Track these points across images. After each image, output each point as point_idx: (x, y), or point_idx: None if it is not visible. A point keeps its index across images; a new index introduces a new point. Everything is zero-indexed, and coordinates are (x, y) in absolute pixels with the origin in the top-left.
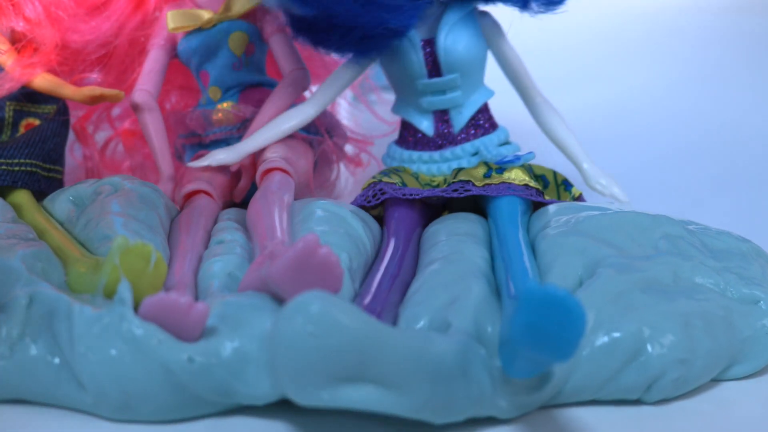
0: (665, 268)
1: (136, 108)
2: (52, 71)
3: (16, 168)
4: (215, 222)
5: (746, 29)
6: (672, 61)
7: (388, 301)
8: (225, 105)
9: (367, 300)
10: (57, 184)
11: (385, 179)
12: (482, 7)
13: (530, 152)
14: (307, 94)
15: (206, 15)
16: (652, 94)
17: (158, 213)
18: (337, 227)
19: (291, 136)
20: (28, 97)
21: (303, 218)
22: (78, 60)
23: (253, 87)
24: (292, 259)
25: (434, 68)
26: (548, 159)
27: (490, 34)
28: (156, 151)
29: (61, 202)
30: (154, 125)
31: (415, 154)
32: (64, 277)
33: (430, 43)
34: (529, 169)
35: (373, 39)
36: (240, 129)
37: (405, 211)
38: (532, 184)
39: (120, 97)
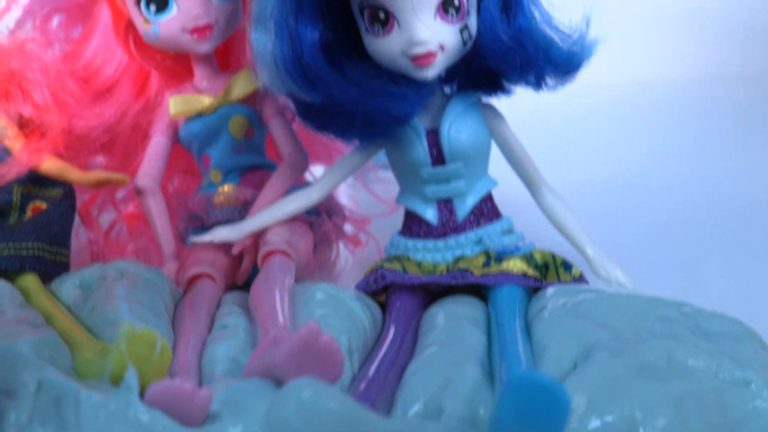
0: (659, 350)
1: (139, 192)
2: (58, 155)
3: (24, 252)
4: (218, 305)
5: (737, 99)
6: (662, 132)
7: (385, 386)
8: (226, 188)
9: (363, 386)
10: (64, 267)
11: (387, 265)
12: (485, 100)
13: (530, 243)
14: (307, 174)
15: (207, 100)
16: (645, 166)
17: (162, 298)
18: (337, 310)
19: (292, 218)
20: (35, 180)
21: (304, 301)
22: (83, 144)
23: (254, 169)
24: (294, 346)
25: (438, 157)
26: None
27: (493, 123)
28: (159, 233)
29: (67, 286)
30: (156, 209)
31: (419, 243)
32: (71, 363)
33: (434, 133)
34: (530, 257)
35: (377, 125)
36: (241, 211)
37: (406, 298)
38: (530, 273)
39: (125, 181)
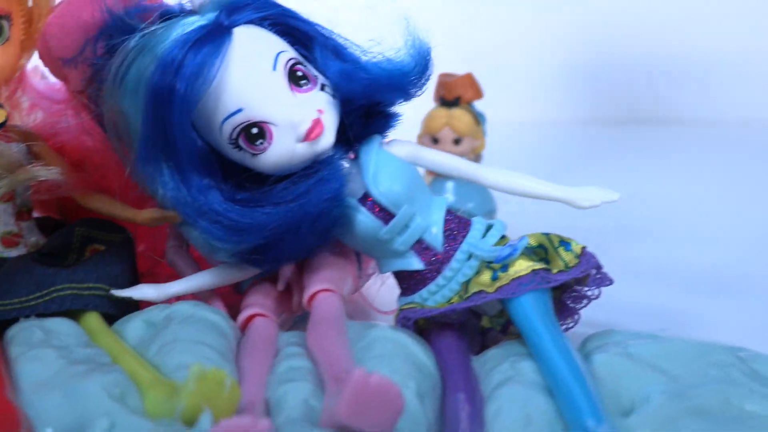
0: (715, 395)
1: (171, 264)
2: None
3: (86, 292)
4: (278, 344)
5: None
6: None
7: None
8: None
9: None
10: (126, 307)
11: (406, 306)
12: (385, 139)
13: (523, 237)
14: None
15: None
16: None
17: (227, 339)
18: (398, 353)
19: (331, 247)
20: (95, 224)
21: (364, 347)
22: None
23: None
24: (349, 398)
25: (385, 214)
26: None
27: (407, 154)
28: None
29: (132, 326)
30: (188, 274)
31: (424, 292)
32: (141, 402)
33: (366, 197)
34: (528, 249)
35: (323, 221)
36: None
37: (444, 342)
38: (537, 266)
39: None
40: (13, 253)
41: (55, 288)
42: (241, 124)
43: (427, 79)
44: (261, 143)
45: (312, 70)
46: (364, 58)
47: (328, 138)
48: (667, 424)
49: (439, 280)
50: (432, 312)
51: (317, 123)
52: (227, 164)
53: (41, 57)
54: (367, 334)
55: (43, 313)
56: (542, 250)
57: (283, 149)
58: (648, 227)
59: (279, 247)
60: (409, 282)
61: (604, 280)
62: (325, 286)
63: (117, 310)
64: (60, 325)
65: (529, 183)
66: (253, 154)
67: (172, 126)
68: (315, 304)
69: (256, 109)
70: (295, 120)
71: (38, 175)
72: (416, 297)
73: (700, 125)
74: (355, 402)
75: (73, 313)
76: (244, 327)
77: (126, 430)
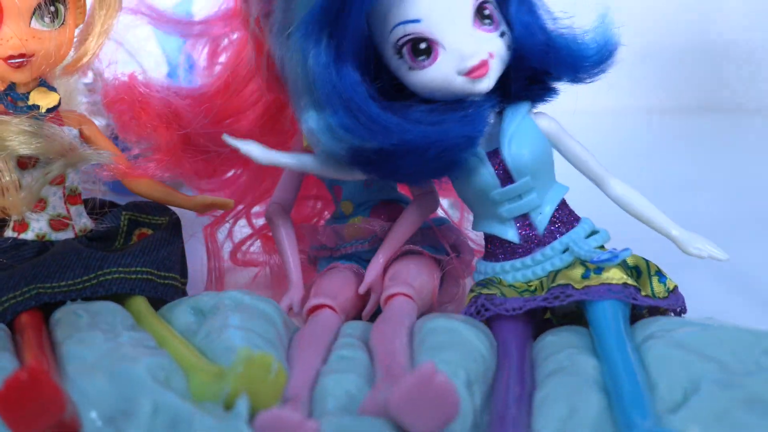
0: (767, 384)
1: (269, 220)
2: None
3: (133, 276)
4: (336, 336)
5: None
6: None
7: (519, 421)
8: (356, 220)
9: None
10: (173, 291)
11: (485, 291)
12: (536, 109)
13: (626, 249)
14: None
15: None
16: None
17: (277, 329)
18: (452, 342)
19: (420, 254)
20: (142, 208)
21: (418, 336)
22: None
23: (385, 203)
24: (409, 387)
25: (505, 176)
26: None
27: (549, 129)
28: (287, 261)
29: (180, 311)
30: (286, 237)
31: (507, 265)
32: (186, 385)
33: (495, 154)
34: (624, 264)
35: (448, 156)
36: (370, 242)
37: (511, 327)
38: (630, 282)
39: (230, 205)
40: (62, 236)
41: (103, 272)
42: (413, 34)
43: (601, 72)
44: (423, 60)
45: (498, 15)
46: (552, 26)
47: (487, 83)
48: (720, 416)
49: (527, 260)
50: (516, 304)
51: (484, 64)
52: (379, 67)
53: None
54: (422, 327)
55: (90, 297)
56: (636, 271)
57: (441, 74)
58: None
59: (398, 161)
60: (496, 249)
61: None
62: (405, 291)
63: (163, 294)
64: (106, 308)
65: (649, 210)
66: (411, 68)
67: (352, 3)
68: (390, 304)
69: (433, 26)
70: (466, 52)
71: (90, 158)
72: (497, 267)
73: None
74: (413, 392)
75: (120, 297)
76: (309, 315)
77: (170, 413)
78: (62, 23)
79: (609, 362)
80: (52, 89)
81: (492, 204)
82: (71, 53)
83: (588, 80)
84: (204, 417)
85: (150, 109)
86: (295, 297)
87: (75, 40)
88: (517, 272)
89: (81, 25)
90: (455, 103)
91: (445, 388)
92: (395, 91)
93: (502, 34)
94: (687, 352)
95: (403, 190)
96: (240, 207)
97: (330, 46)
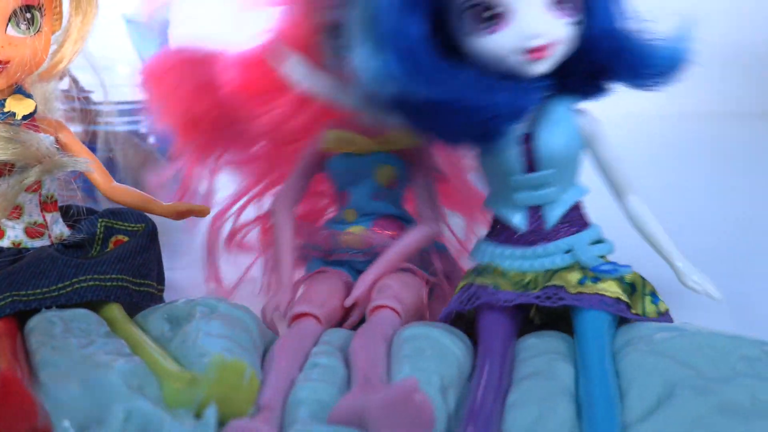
0: (743, 390)
1: (272, 215)
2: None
3: (108, 283)
4: (316, 344)
5: None
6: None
7: (493, 417)
8: (355, 229)
9: (472, 420)
10: (149, 298)
11: (479, 280)
12: (581, 105)
13: (627, 266)
14: None
15: (361, 142)
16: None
17: (251, 335)
18: (429, 349)
19: (410, 272)
20: (118, 215)
21: (398, 345)
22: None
23: (388, 217)
24: (389, 399)
25: (531, 164)
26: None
27: (587, 132)
28: (282, 261)
29: (154, 319)
30: (285, 237)
31: (507, 250)
32: (159, 392)
33: (528, 138)
34: (621, 279)
35: (493, 122)
36: (366, 254)
37: (498, 320)
38: (623, 298)
39: (206, 212)
40: (37, 243)
41: (78, 279)
42: (484, 2)
43: (662, 84)
44: (486, 27)
45: (579, 5)
46: (631, 25)
47: (544, 67)
48: (695, 421)
49: (528, 251)
50: (507, 297)
51: (545, 48)
52: (440, 24)
53: None
54: (400, 335)
55: (65, 305)
56: (631, 287)
57: (499, 46)
58: None
59: (444, 117)
60: (500, 232)
61: None
62: (392, 305)
63: (139, 301)
64: (81, 315)
65: (659, 235)
66: (470, 31)
67: None
68: (375, 315)
69: None
70: (532, 31)
71: (66, 165)
72: (497, 250)
73: None
74: (392, 405)
75: (95, 305)
76: (292, 321)
77: (142, 420)
78: (38, 30)
79: (586, 373)
80: (29, 96)
81: (510, 188)
82: (47, 60)
83: (646, 88)
84: (174, 424)
85: (186, 82)
86: (283, 300)
87: (51, 46)
88: (515, 261)
89: (57, 32)
90: (503, 77)
91: (423, 408)
92: (451, 52)
93: (578, 23)
94: (662, 358)
95: (408, 208)
96: (253, 190)
97: None
